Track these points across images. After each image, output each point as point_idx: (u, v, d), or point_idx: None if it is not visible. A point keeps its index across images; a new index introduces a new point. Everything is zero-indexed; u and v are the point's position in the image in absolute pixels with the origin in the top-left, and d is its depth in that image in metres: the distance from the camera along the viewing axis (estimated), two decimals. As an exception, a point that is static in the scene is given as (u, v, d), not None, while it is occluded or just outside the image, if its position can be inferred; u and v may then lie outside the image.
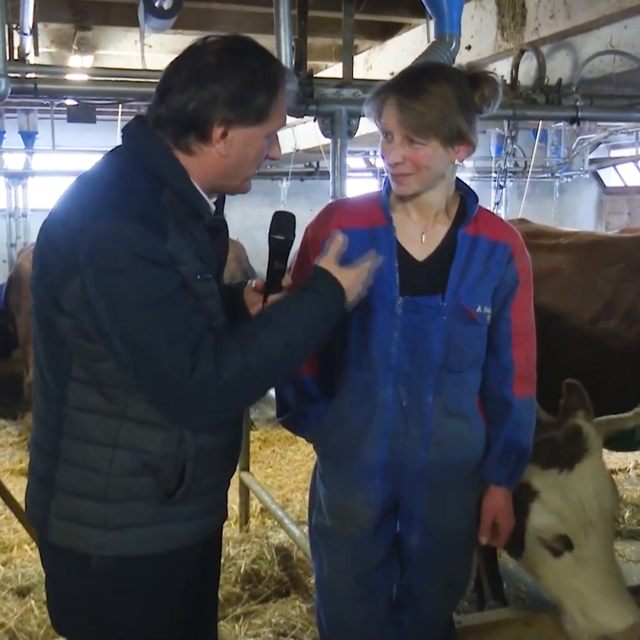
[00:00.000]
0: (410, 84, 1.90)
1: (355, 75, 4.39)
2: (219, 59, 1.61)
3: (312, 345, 1.72)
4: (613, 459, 5.26)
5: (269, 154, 1.73)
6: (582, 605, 2.18)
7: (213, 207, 1.75)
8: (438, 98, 1.88)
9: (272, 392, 2.31)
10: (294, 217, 1.80)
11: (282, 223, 1.79)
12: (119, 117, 6.18)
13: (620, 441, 3.17)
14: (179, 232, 1.59)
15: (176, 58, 1.67)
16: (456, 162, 1.98)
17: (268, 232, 1.79)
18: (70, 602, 1.76)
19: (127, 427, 1.65)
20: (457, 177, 2.06)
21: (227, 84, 1.60)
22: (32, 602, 3.49)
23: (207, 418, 1.64)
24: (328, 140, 4.04)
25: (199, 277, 1.62)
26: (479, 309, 2.02)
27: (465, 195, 2.07)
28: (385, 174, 2.04)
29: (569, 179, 11.33)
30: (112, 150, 1.72)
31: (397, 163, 1.92)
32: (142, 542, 1.70)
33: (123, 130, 1.72)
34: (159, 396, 1.59)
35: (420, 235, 2.03)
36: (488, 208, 2.15)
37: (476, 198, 2.06)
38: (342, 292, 1.68)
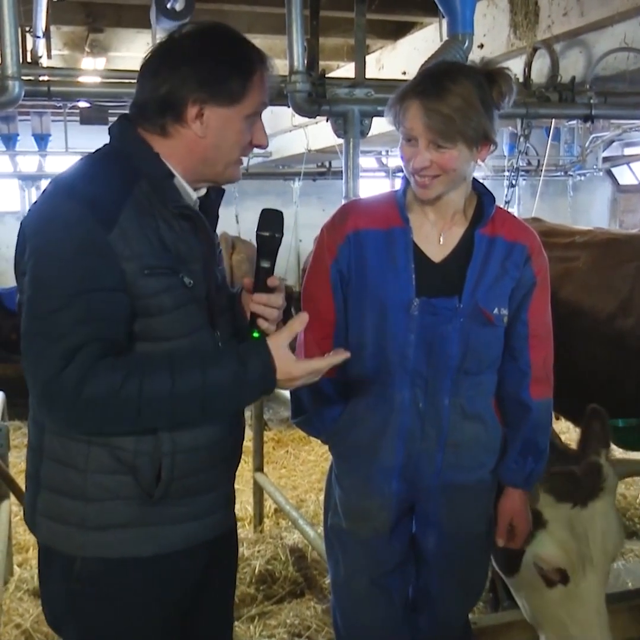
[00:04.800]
0: (434, 87, 1.86)
1: (368, 75, 4.37)
2: (191, 43, 1.62)
3: (209, 411, 1.58)
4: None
5: (254, 141, 1.70)
6: (564, 638, 2.18)
7: (193, 196, 1.70)
8: (463, 100, 1.84)
9: (285, 392, 2.29)
10: (281, 214, 1.73)
11: (269, 220, 1.71)
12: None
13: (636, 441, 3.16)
14: (137, 223, 1.55)
15: (153, 46, 1.68)
16: (478, 161, 1.96)
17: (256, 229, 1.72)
18: (59, 603, 1.70)
19: None
20: (473, 177, 2.04)
21: (198, 66, 1.60)
22: (48, 602, 3.50)
23: (63, 424, 1.58)
24: (342, 140, 4.04)
25: (146, 272, 1.54)
26: (496, 311, 2.00)
27: (481, 195, 2.05)
28: (401, 174, 2.02)
29: (583, 178, 11.27)
30: (97, 149, 1.72)
31: (424, 167, 1.89)
32: (124, 543, 1.62)
33: (108, 129, 1.71)
34: (29, 386, 1.55)
35: (437, 236, 2.02)
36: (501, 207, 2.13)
37: (493, 198, 2.05)
38: (272, 379, 1.55)
